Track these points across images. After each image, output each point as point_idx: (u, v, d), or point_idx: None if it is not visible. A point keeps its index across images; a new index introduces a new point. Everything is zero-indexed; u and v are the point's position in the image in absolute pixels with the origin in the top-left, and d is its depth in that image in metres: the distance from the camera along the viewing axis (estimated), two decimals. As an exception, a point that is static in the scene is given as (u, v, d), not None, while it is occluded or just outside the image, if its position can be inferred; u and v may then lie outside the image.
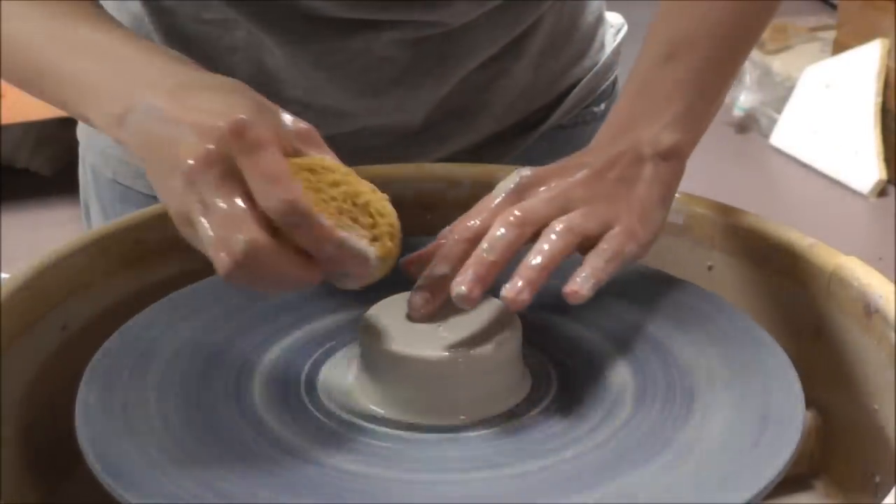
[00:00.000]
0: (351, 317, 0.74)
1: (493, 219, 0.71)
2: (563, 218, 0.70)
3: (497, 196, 0.73)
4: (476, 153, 0.98)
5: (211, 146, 0.62)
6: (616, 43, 1.04)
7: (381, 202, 0.66)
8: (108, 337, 0.73)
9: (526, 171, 0.73)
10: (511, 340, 0.69)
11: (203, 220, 0.62)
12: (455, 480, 0.63)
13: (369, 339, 0.68)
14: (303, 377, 0.71)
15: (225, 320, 0.75)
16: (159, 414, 0.66)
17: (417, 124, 0.95)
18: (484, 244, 0.69)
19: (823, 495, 0.75)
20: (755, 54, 3.43)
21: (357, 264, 0.64)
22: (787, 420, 0.66)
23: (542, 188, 0.73)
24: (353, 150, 0.93)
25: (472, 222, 0.72)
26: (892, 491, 0.57)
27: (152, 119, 0.66)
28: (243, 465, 0.63)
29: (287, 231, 0.62)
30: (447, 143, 0.97)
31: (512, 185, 0.73)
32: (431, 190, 0.89)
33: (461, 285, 0.67)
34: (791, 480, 0.70)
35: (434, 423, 0.67)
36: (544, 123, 1.00)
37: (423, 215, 0.88)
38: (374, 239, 0.64)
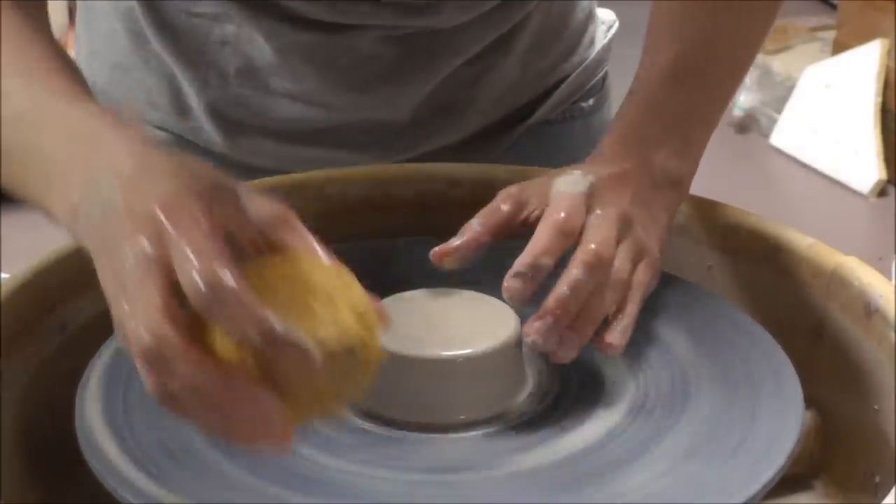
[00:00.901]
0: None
1: (579, 219, 0.71)
2: (618, 270, 0.70)
3: (567, 190, 0.73)
4: (464, 147, 0.99)
5: (142, 232, 0.54)
6: (607, 39, 1.05)
7: (347, 289, 0.56)
8: (108, 337, 0.72)
9: (591, 178, 0.73)
10: (511, 340, 0.69)
11: (119, 313, 0.54)
12: (455, 480, 0.63)
13: (369, 339, 0.68)
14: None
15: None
16: (160, 413, 0.66)
17: (405, 119, 0.95)
18: (566, 289, 0.68)
19: (823, 495, 0.75)
20: (755, 54, 3.42)
21: (295, 358, 0.52)
22: (787, 420, 0.66)
23: (607, 201, 0.72)
24: (340, 143, 0.95)
25: (560, 214, 0.71)
26: (892, 491, 0.57)
27: (103, 212, 0.57)
28: (243, 463, 0.63)
29: (209, 318, 0.53)
30: (434, 137, 0.97)
31: (582, 188, 0.73)
32: (431, 190, 0.89)
33: (538, 335, 0.67)
34: (791, 480, 0.70)
35: (433, 422, 0.67)
36: (531, 118, 1.01)
37: (423, 215, 0.88)
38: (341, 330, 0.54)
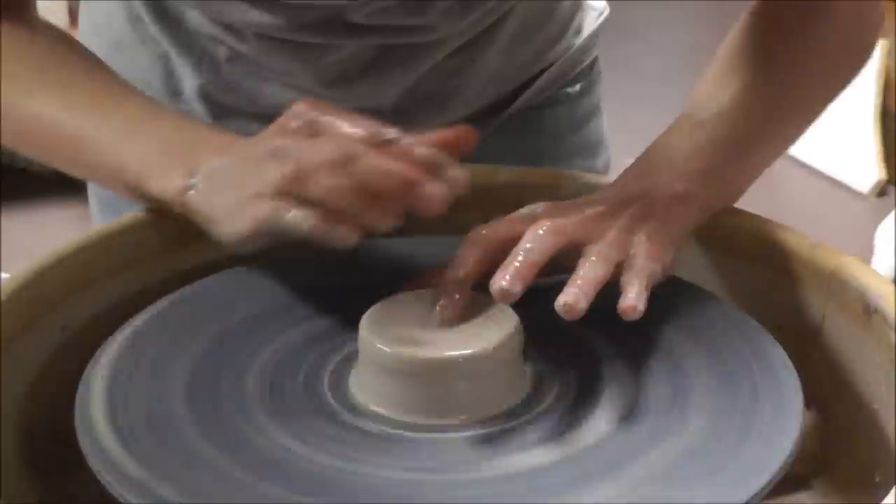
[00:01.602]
0: (350, 316, 0.74)
1: (511, 229, 0.71)
2: (594, 248, 0.71)
3: (512, 218, 0.74)
4: None
5: (290, 123, 0.72)
6: (596, 26, 1.05)
7: None
8: (107, 337, 0.73)
9: (541, 204, 0.74)
10: (511, 340, 0.69)
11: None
12: (454, 480, 0.63)
13: (369, 339, 0.68)
14: (301, 377, 0.71)
15: (227, 319, 0.75)
16: (161, 414, 0.66)
17: (388, 107, 0.97)
18: (525, 244, 0.69)
19: (823, 495, 0.75)
20: (755, 54, 3.42)
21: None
22: (787, 420, 0.66)
23: (554, 217, 0.72)
24: None
25: (485, 230, 0.72)
26: (892, 491, 0.57)
27: (221, 172, 0.72)
28: (245, 464, 0.63)
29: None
30: (419, 124, 0.98)
31: (528, 212, 0.73)
32: (431, 190, 0.88)
33: (501, 281, 0.67)
34: (791, 480, 0.70)
35: (434, 422, 0.67)
36: (513, 104, 1.02)
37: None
38: None
